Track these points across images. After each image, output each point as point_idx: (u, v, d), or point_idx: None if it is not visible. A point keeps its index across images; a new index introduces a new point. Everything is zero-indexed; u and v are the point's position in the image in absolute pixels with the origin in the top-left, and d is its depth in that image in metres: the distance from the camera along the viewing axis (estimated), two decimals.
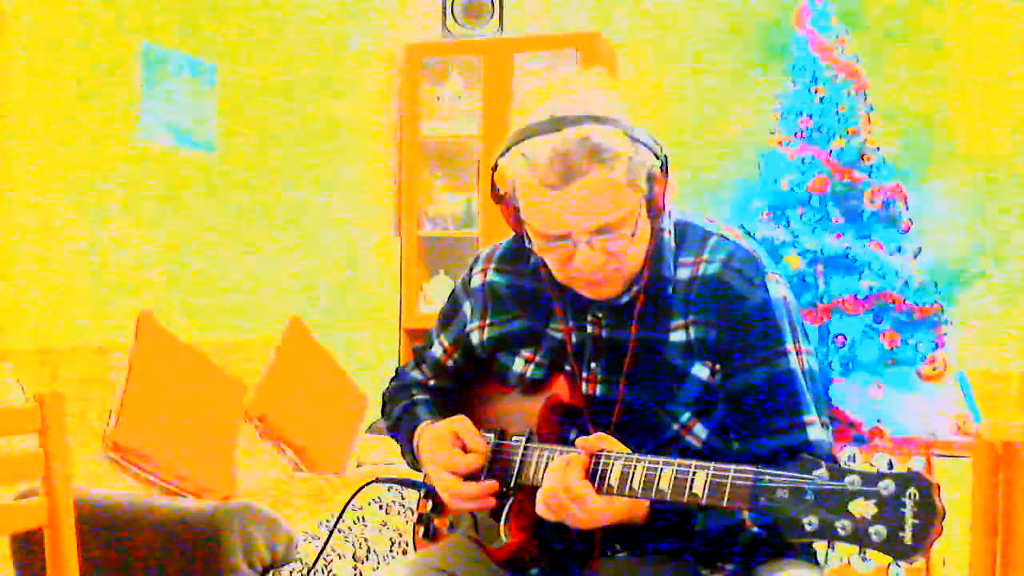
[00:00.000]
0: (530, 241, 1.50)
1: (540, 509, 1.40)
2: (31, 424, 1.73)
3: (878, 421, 4.00)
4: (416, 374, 1.79)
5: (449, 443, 1.56)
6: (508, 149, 1.44)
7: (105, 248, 3.23)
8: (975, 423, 3.77)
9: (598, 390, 1.52)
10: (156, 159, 3.44)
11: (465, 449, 1.56)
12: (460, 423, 1.58)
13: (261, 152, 3.96)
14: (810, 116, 4.03)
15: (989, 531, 1.41)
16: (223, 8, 3.74)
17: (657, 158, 1.44)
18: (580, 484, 1.35)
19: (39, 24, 3.00)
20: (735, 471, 1.24)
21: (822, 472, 1.16)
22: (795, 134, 4.05)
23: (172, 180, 3.51)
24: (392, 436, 1.78)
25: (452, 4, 4.77)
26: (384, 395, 1.83)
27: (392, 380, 1.84)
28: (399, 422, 1.73)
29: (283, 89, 4.08)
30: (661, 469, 1.31)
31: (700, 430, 1.48)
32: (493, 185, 1.51)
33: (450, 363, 1.73)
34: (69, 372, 2.84)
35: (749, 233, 3.62)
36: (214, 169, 3.70)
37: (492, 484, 1.52)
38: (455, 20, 4.77)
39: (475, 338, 1.65)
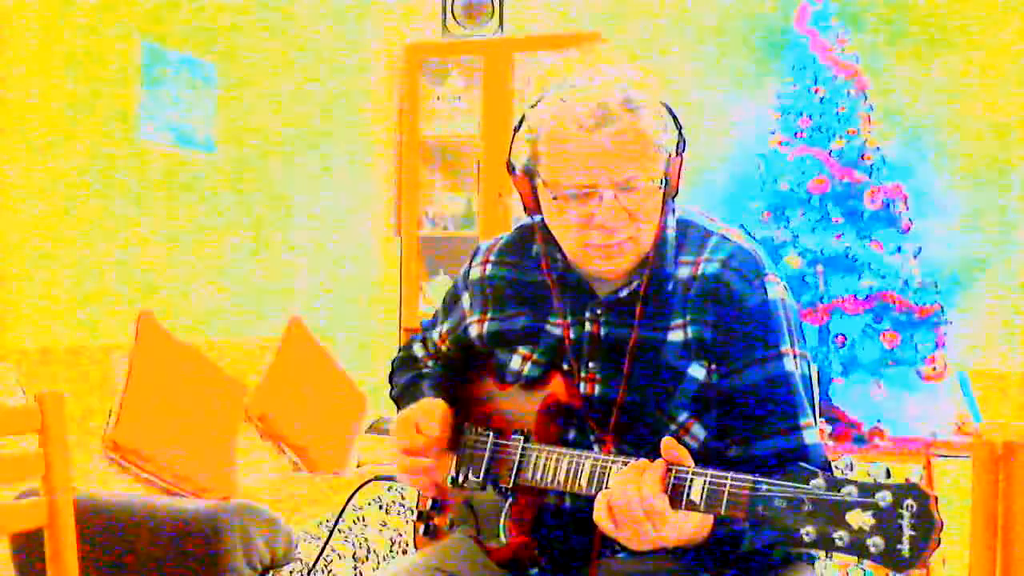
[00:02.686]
0: (546, 209, 1.49)
1: (601, 518, 1.30)
2: (31, 424, 1.73)
3: (878, 421, 4.01)
4: (418, 349, 1.82)
5: (408, 424, 1.59)
6: (539, 100, 1.47)
7: (105, 248, 3.23)
8: (975, 423, 3.78)
9: (596, 389, 1.51)
10: (156, 159, 3.44)
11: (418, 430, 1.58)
12: (427, 406, 1.60)
13: (261, 152, 3.96)
14: (810, 116, 4.04)
15: (989, 531, 1.40)
16: (223, 8, 3.74)
17: (678, 131, 1.48)
18: (660, 497, 1.26)
19: (39, 24, 3.00)
20: (732, 479, 1.23)
21: (819, 482, 1.16)
22: (795, 134, 4.05)
23: (172, 180, 3.51)
24: (396, 404, 1.80)
25: (452, 4, 4.77)
26: (393, 363, 1.86)
27: (401, 350, 1.87)
28: (403, 394, 1.75)
29: (283, 89, 4.08)
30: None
31: (698, 430, 1.47)
32: (508, 158, 1.52)
33: (445, 349, 1.75)
34: (69, 372, 2.84)
35: (750, 234, 3.61)
36: (214, 169, 3.70)
37: (424, 460, 1.56)
38: (455, 20, 4.77)
39: (474, 332, 1.65)
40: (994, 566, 1.41)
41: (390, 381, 1.84)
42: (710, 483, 1.25)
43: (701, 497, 1.25)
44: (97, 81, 3.20)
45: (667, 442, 1.30)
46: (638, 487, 1.27)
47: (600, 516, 1.30)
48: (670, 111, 1.48)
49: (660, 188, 1.45)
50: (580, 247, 1.48)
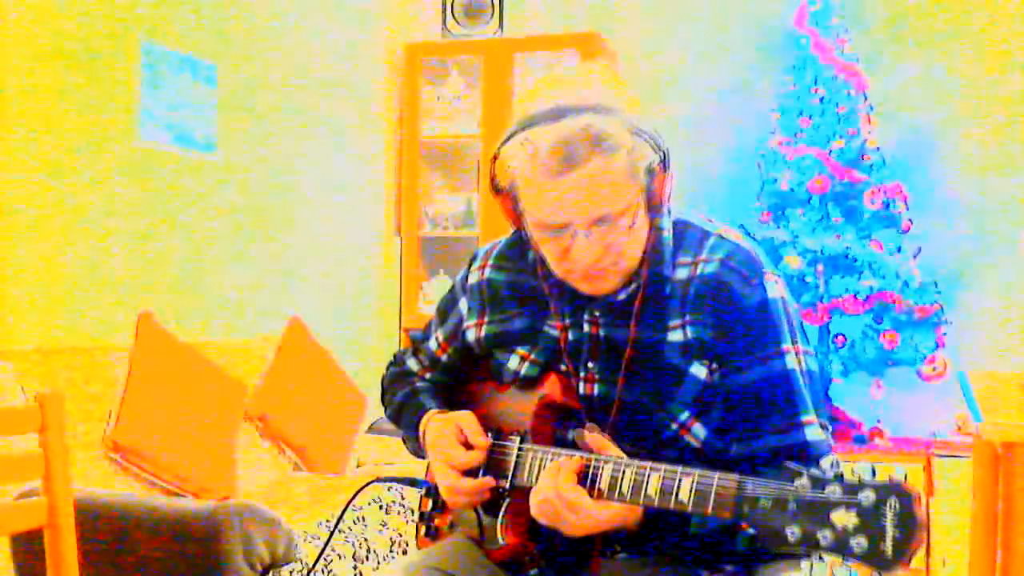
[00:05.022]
0: (526, 234, 1.50)
1: (534, 513, 1.41)
2: (31, 424, 1.73)
3: (878, 421, 4.01)
4: (413, 363, 1.80)
5: (452, 438, 1.57)
6: (510, 138, 1.45)
7: (105, 248, 3.23)
8: (975, 423, 3.77)
9: (595, 390, 1.52)
10: (156, 159, 3.44)
11: (467, 445, 1.56)
12: (465, 418, 1.58)
13: (261, 152, 3.96)
14: (810, 116, 4.04)
15: (989, 531, 1.41)
16: (223, 8, 3.74)
17: (657, 152, 1.44)
18: (573, 489, 1.36)
19: (39, 24, 3.00)
20: (719, 479, 1.24)
21: (804, 481, 1.16)
22: (795, 134, 4.06)
23: (172, 180, 3.51)
24: (394, 422, 1.78)
25: (452, 4, 4.77)
26: (383, 380, 1.83)
27: (390, 366, 1.84)
28: (402, 408, 1.74)
29: (283, 89, 4.08)
30: (648, 475, 1.32)
31: (699, 430, 1.47)
32: (492, 177, 1.51)
33: (444, 358, 1.74)
34: (69, 372, 2.84)
35: (748, 233, 3.62)
36: (214, 169, 3.70)
37: (488, 480, 1.53)
38: (455, 20, 4.77)
39: (472, 335, 1.65)
40: (994, 565, 1.41)
41: (382, 400, 1.83)
42: (698, 483, 1.26)
43: (689, 497, 1.27)
44: (97, 81, 3.20)
45: (578, 433, 1.42)
46: (555, 482, 1.37)
47: (534, 511, 1.40)
48: (645, 133, 1.42)
49: (636, 218, 1.43)
50: (563, 273, 1.50)
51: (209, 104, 3.66)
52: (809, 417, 1.45)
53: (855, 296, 3.86)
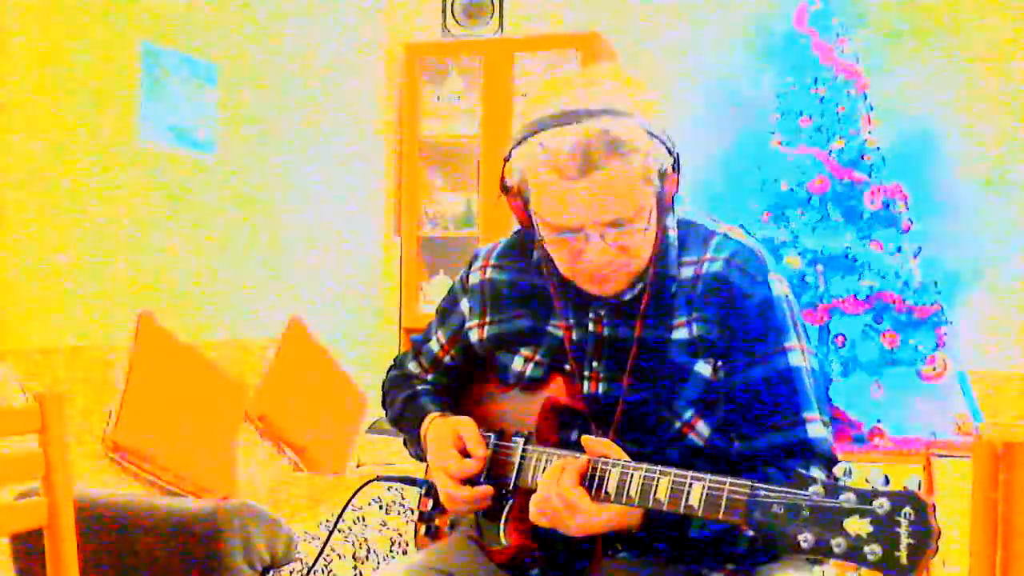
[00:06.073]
0: (538, 235, 1.49)
1: (533, 514, 1.40)
2: (31, 424, 1.73)
3: (878, 421, 4.01)
4: (413, 367, 1.79)
5: (450, 445, 1.56)
6: (523, 139, 1.43)
7: (105, 248, 3.22)
8: (975, 423, 3.78)
9: (600, 389, 1.52)
10: (156, 159, 3.44)
11: (465, 453, 1.56)
12: (464, 426, 1.58)
13: (261, 152, 3.96)
14: (810, 116, 4.04)
15: (989, 531, 1.40)
16: (223, 8, 3.74)
17: (670, 154, 1.44)
18: (574, 490, 1.36)
19: (39, 24, 3.00)
20: (731, 484, 1.24)
21: (818, 488, 1.16)
22: (795, 134, 4.05)
23: (172, 180, 3.51)
24: (395, 425, 1.78)
25: (452, 4, 4.76)
26: (384, 384, 1.83)
27: (390, 369, 1.84)
28: (403, 412, 1.73)
29: (283, 89, 4.08)
30: (658, 478, 1.31)
31: (703, 428, 1.47)
32: (502, 178, 1.50)
33: (447, 359, 1.74)
34: (69, 372, 2.84)
35: (750, 233, 3.62)
36: (214, 169, 3.70)
37: (487, 489, 1.53)
38: (455, 20, 4.77)
39: (474, 336, 1.65)
40: (994, 566, 1.41)
41: (383, 403, 1.82)
42: (709, 488, 1.26)
43: (700, 502, 1.26)
44: (97, 81, 3.20)
45: (586, 439, 1.39)
46: (557, 483, 1.36)
47: (532, 512, 1.39)
48: (659, 136, 1.42)
49: (649, 221, 1.43)
50: (573, 274, 1.49)
51: (209, 104, 3.66)
52: (812, 414, 1.45)
53: (855, 296, 3.87)
